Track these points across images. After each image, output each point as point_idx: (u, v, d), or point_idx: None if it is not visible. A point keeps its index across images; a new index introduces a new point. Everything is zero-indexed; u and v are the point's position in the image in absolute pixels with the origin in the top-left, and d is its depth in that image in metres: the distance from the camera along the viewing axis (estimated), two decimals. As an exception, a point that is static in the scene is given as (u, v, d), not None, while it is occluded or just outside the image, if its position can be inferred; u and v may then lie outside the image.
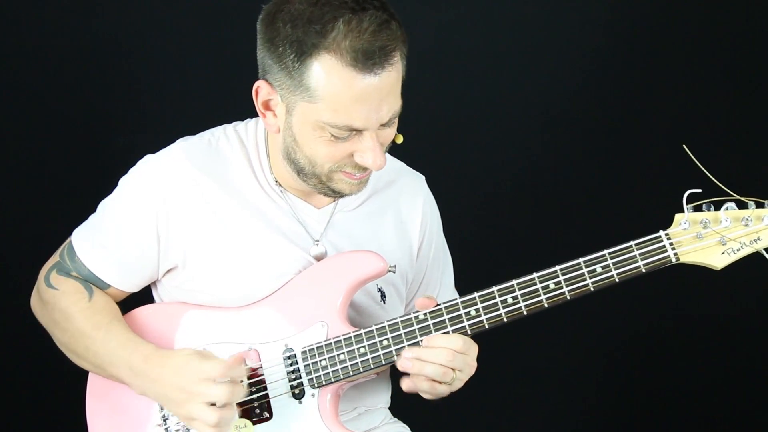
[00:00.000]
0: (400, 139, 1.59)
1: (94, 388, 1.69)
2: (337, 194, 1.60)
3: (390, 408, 1.87)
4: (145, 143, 1.71)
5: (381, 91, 1.46)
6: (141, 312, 1.69)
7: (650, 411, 2.93)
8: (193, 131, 1.69)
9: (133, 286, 1.69)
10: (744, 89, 2.74)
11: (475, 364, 1.58)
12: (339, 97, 1.44)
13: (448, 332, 1.55)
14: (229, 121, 1.71)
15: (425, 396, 1.59)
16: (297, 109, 1.49)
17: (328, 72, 1.43)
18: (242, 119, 1.71)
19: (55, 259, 1.69)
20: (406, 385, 1.57)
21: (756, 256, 1.50)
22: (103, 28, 2.60)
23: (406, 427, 1.86)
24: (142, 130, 2.58)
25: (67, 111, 2.61)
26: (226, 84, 2.43)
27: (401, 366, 1.55)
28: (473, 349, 1.57)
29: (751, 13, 2.72)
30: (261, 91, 1.54)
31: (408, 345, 1.56)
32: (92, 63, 2.60)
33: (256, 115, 1.60)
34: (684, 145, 1.45)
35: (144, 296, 1.74)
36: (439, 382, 1.54)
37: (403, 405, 1.88)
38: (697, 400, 2.89)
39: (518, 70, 2.79)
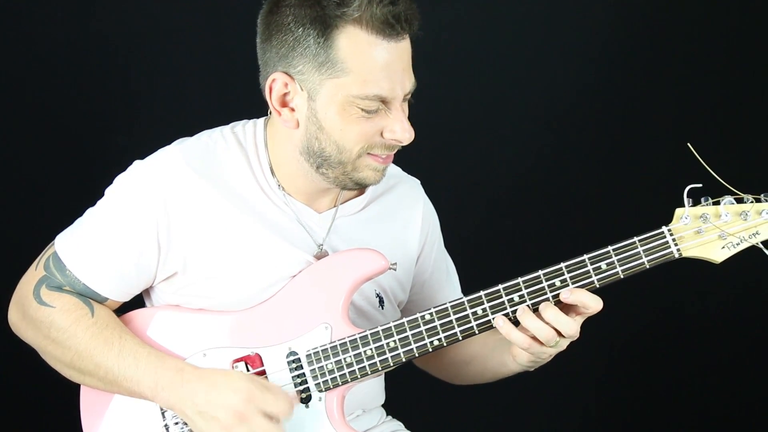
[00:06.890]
0: None
1: (88, 403, 1.64)
2: (357, 185, 1.58)
3: (384, 406, 1.85)
4: (142, 144, 1.66)
5: (403, 59, 1.47)
6: (136, 316, 1.64)
7: (650, 411, 2.94)
8: (191, 132, 1.65)
9: (128, 296, 1.64)
10: (742, 87, 2.77)
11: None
12: (368, 66, 1.43)
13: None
14: (228, 122, 1.67)
15: (522, 361, 1.56)
16: (323, 91, 1.47)
17: (355, 42, 1.43)
18: (240, 120, 1.67)
19: (39, 272, 1.60)
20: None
21: (755, 250, 1.52)
22: (101, 28, 2.56)
23: (401, 424, 1.85)
24: (139, 130, 2.54)
25: (64, 112, 2.57)
26: (223, 84, 2.41)
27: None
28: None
29: (751, 13, 2.75)
30: (276, 84, 1.50)
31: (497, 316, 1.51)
32: (89, 63, 2.56)
33: (254, 116, 1.57)
34: (689, 144, 1.47)
35: (135, 300, 1.68)
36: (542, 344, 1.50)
37: (398, 403, 1.88)
38: (697, 399, 2.91)
39: (520, 69, 2.80)
